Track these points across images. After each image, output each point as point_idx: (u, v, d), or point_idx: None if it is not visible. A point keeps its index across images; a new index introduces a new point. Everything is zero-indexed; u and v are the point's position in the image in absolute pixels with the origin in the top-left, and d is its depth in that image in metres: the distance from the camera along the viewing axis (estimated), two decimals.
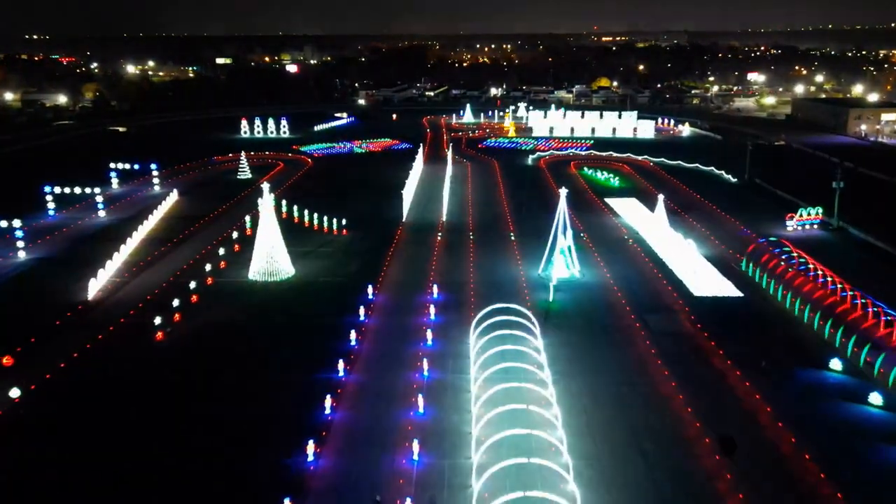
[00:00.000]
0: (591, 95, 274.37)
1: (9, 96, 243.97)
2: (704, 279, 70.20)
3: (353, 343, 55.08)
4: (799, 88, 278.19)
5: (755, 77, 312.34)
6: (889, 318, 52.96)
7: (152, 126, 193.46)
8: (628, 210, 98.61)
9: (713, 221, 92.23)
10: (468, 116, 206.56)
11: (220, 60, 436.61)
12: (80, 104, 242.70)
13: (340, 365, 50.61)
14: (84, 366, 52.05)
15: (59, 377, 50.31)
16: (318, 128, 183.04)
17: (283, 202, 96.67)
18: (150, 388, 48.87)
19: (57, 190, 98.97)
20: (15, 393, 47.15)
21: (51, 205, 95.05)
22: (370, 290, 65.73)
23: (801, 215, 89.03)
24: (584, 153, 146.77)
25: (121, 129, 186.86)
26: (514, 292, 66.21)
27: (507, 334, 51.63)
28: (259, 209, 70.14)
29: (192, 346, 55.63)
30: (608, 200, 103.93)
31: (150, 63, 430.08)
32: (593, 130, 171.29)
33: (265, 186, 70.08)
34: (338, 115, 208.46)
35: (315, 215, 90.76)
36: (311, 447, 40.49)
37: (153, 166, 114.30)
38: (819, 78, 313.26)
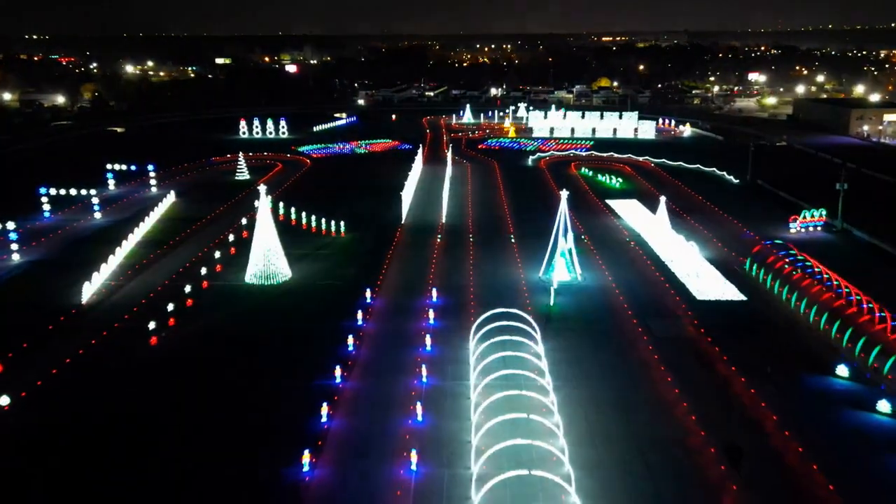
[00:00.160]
0: (592, 96, 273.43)
1: (7, 96, 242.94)
2: (707, 282, 69.22)
3: (350, 348, 54.12)
4: (800, 88, 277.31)
5: (756, 77, 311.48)
6: None
7: (150, 126, 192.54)
8: (629, 212, 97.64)
9: (715, 223, 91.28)
10: (468, 117, 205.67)
11: (219, 60, 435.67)
12: (78, 104, 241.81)
13: (337, 371, 49.59)
14: (76, 372, 51.03)
15: (51, 384, 49.30)
16: (317, 128, 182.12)
17: (281, 204, 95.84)
18: (143, 395, 47.90)
19: (53, 191, 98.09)
20: (5, 401, 46.17)
21: (46, 206, 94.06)
22: (368, 293, 64.79)
23: (804, 217, 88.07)
24: (584, 154, 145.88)
25: (119, 130, 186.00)
26: (514, 296, 65.27)
27: (508, 339, 50.67)
28: (256, 211, 69.21)
29: (187, 351, 54.63)
30: (609, 202, 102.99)
31: (150, 63, 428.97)
32: (594, 131, 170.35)
33: (262, 188, 69.17)
34: (337, 115, 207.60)
35: (313, 217, 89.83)
36: (306, 457, 39.54)
37: (150, 167, 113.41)
38: (820, 78, 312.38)
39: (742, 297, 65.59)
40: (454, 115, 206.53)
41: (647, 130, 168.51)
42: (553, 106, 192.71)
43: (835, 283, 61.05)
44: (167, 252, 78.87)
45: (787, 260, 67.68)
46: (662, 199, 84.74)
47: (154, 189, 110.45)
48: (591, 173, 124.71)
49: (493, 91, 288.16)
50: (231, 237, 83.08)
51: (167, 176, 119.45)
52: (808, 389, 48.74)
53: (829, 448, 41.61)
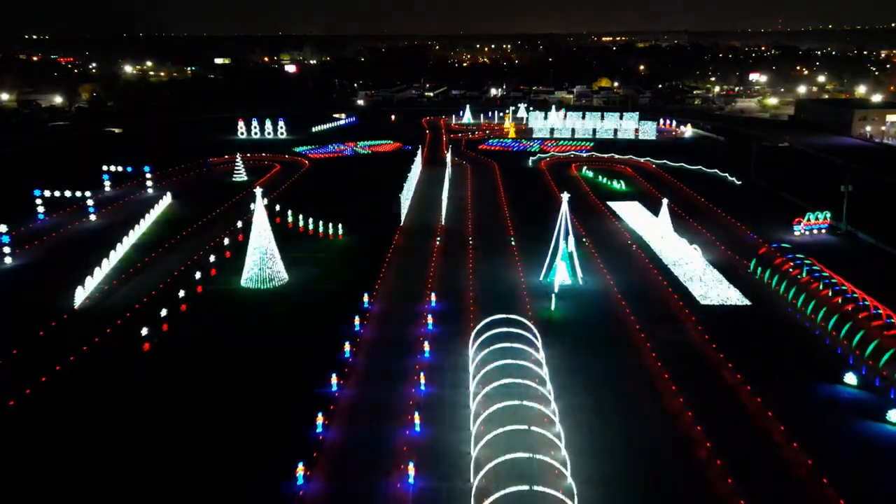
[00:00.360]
0: (592, 96, 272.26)
1: (4, 97, 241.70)
2: (711, 287, 67.99)
3: (346, 354, 52.91)
4: (801, 89, 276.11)
5: (757, 77, 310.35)
6: None
7: (149, 127, 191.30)
8: (631, 214, 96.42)
9: (718, 226, 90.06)
10: (468, 117, 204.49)
11: (218, 60, 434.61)
12: (76, 105, 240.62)
13: (333, 378, 48.39)
14: (67, 379, 49.77)
15: (41, 391, 48.05)
16: (316, 129, 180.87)
17: (277, 206, 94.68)
18: (135, 401, 46.67)
19: (47, 193, 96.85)
20: None
21: (40, 208, 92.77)
22: (366, 297, 63.58)
23: (808, 219, 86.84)
24: (584, 155, 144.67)
25: (116, 131, 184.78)
26: (514, 300, 64.10)
27: (508, 347, 49.46)
28: (252, 213, 68.01)
29: (180, 357, 53.39)
30: (610, 204, 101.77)
31: (149, 63, 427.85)
32: (594, 132, 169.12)
33: (258, 191, 67.99)
34: (336, 115, 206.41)
35: (310, 219, 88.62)
36: (300, 469, 38.31)
37: (146, 169, 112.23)
38: (821, 78, 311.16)
39: (747, 302, 64.36)
40: (454, 116, 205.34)
41: (648, 131, 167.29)
42: (553, 106, 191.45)
43: (841, 287, 59.80)
44: (162, 255, 77.62)
45: (792, 263, 66.44)
46: (665, 201, 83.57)
47: (150, 191, 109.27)
48: (591, 174, 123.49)
49: (493, 91, 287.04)
50: (227, 240, 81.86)
51: (164, 177, 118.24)
52: (816, 398, 47.52)
53: (839, 460, 40.36)
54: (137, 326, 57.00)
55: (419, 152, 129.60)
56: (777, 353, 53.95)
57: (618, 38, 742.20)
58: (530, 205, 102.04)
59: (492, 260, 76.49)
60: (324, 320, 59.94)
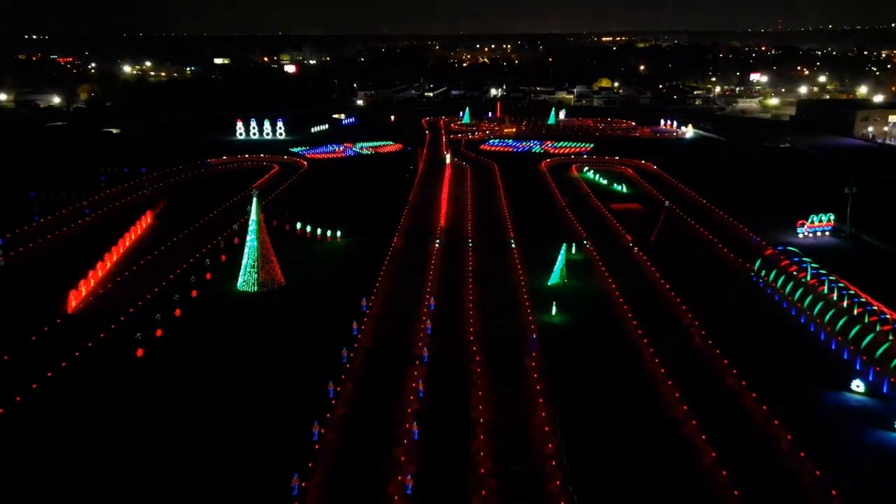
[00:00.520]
0: (593, 96, 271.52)
1: (2, 97, 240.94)
2: (714, 289, 66.99)
3: (343, 360, 51.87)
4: (802, 89, 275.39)
5: (757, 77, 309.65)
6: None
7: (147, 127, 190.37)
8: (632, 215, 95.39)
9: (720, 228, 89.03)
10: (468, 117, 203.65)
11: (218, 61, 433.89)
12: (74, 105, 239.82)
13: (329, 386, 47.41)
14: (59, 386, 48.73)
15: (32, 398, 47.00)
16: (315, 129, 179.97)
17: (275, 207, 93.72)
18: (129, 409, 45.64)
19: (43, 194, 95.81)
20: None
21: (35, 210, 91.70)
22: (364, 301, 62.60)
23: (812, 222, 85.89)
24: (585, 156, 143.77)
25: (114, 131, 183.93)
26: (515, 304, 63.18)
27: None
28: (248, 216, 67.09)
29: (174, 362, 52.45)
30: (611, 205, 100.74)
31: (148, 63, 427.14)
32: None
33: (254, 193, 67.02)
34: (335, 115, 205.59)
35: (308, 221, 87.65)
36: (295, 481, 37.30)
37: (143, 170, 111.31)
38: (822, 78, 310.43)
39: (751, 306, 63.40)
40: (454, 116, 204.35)
41: (649, 131, 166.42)
42: (553, 107, 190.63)
43: (847, 292, 58.85)
44: (158, 258, 76.61)
45: (797, 266, 65.49)
46: (666, 203, 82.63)
47: (147, 192, 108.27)
48: (592, 175, 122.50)
49: (493, 91, 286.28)
50: (223, 244, 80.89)
51: (161, 178, 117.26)
52: (823, 406, 46.53)
53: (847, 472, 39.30)
54: (132, 331, 56.01)
55: (419, 153, 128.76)
56: (782, 359, 52.90)
57: (618, 38, 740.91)
58: (531, 205, 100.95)
59: (492, 262, 75.51)
60: (320, 324, 58.98)
